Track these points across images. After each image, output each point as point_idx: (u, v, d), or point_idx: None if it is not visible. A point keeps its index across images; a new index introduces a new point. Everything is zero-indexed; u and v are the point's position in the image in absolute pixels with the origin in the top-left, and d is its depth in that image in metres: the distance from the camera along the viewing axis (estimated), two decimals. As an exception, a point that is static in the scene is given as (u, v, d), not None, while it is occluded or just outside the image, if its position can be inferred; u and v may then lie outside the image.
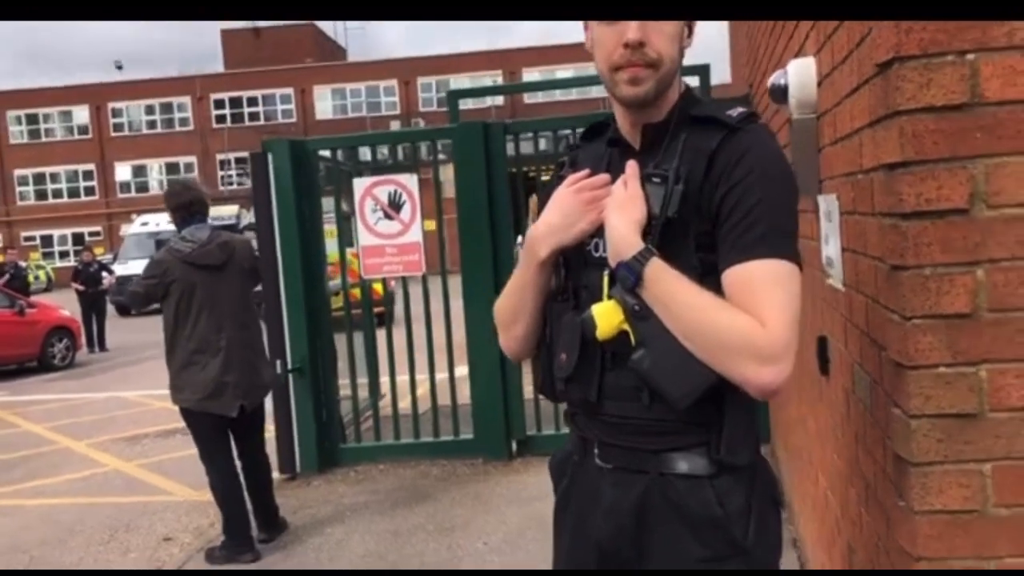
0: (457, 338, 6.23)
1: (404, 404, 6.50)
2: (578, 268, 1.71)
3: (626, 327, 1.58)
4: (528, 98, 41.37)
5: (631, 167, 1.63)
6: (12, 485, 6.88)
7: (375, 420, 6.53)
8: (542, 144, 6.84)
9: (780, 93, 2.65)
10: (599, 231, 1.65)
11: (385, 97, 45.90)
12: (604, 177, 1.68)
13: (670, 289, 1.52)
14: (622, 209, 1.59)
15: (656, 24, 1.57)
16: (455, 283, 6.16)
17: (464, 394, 6.26)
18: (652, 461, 1.62)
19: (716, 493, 1.58)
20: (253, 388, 4.78)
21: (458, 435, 6.29)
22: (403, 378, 6.39)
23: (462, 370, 6.28)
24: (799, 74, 2.57)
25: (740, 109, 1.63)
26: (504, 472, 5.92)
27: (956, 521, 1.59)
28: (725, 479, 1.59)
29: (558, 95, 38.78)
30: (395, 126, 37.67)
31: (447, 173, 6.57)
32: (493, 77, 42.83)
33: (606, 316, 1.59)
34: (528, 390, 6.13)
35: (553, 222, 1.69)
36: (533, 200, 9.37)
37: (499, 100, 38.61)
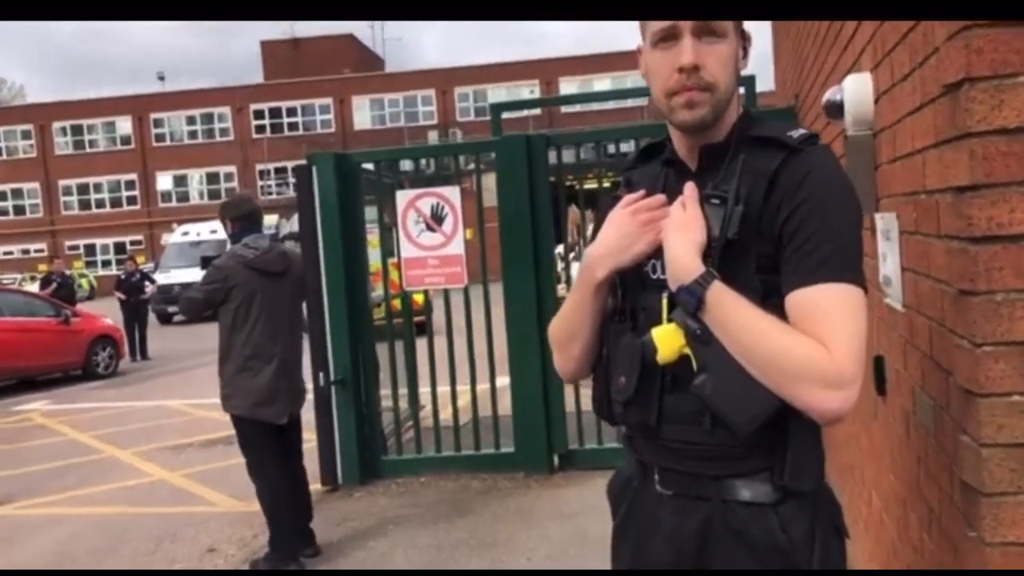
0: (498, 349, 6.22)
1: (445, 415, 6.51)
2: (635, 290, 1.70)
3: (687, 351, 1.56)
4: (565, 107, 41.38)
5: (690, 188, 1.61)
6: (61, 493, 6.99)
7: (416, 432, 6.54)
8: (582, 153, 6.84)
9: (835, 109, 2.62)
10: (656, 253, 1.63)
11: (423, 107, 46.17)
12: (661, 198, 1.66)
13: (733, 313, 1.50)
14: (681, 231, 1.57)
15: (710, 48, 1.55)
16: (496, 292, 6.16)
17: (505, 405, 6.25)
18: (713, 487, 1.60)
19: (780, 521, 1.55)
20: (298, 395, 4.92)
21: (499, 448, 6.27)
22: (444, 388, 6.40)
23: (503, 380, 6.28)
24: (855, 90, 2.53)
25: (801, 130, 1.61)
26: (545, 486, 5.89)
27: (1030, 553, 1.54)
28: (789, 505, 1.56)
29: (595, 105, 38.70)
30: (433, 136, 37.91)
31: (487, 181, 6.57)
32: (530, 87, 42.90)
33: (667, 340, 1.57)
34: (570, 402, 6.11)
35: (610, 243, 1.67)
36: (573, 210, 9.38)
37: (536, 109, 38.60)
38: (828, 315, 1.46)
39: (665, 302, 1.61)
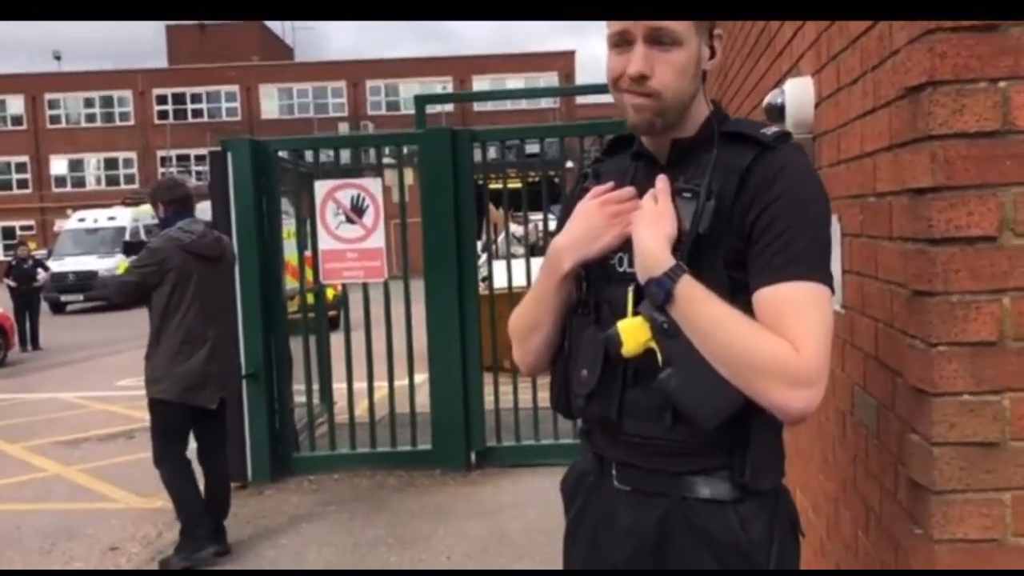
0: (417, 344, 6.15)
1: (360, 411, 6.38)
2: (600, 282, 1.67)
3: (653, 345, 1.54)
4: (477, 106, 41.36)
5: (662, 181, 1.59)
6: (-57, 489, 6.58)
7: (330, 428, 6.39)
8: (492, 152, 6.82)
9: (776, 112, 2.64)
10: (623, 246, 1.61)
11: (333, 99, 45.45)
12: (630, 190, 1.64)
13: (702, 308, 1.48)
14: (653, 224, 1.55)
15: (663, 57, 1.53)
16: (416, 287, 6.08)
17: (422, 401, 6.17)
18: (673, 484, 1.58)
19: (740, 519, 1.55)
20: (231, 379, 4.96)
21: (416, 445, 6.19)
22: (360, 385, 6.28)
23: (421, 376, 6.20)
24: (796, 94, 2.57)
25: (773, 128, 1.60)
26: (462, 483, 5.84)
27: (976, 550, 1.57)
28: (749, 504, 1.55)
29: (508, 104, 38.80)
30: (343, 128, 37.28)
31: (397, 176, 6.47)
32: (443, 83, 42.74)
33: (632, 333, 1.54)
34: (489, 400, 6.08)
35: (577, 235, 1.64)
36: (493, 209, 9.34)
37: (448, 106, 38.43)
38: (797, 313, 1.45)
39: (631, 295, 1.58)
